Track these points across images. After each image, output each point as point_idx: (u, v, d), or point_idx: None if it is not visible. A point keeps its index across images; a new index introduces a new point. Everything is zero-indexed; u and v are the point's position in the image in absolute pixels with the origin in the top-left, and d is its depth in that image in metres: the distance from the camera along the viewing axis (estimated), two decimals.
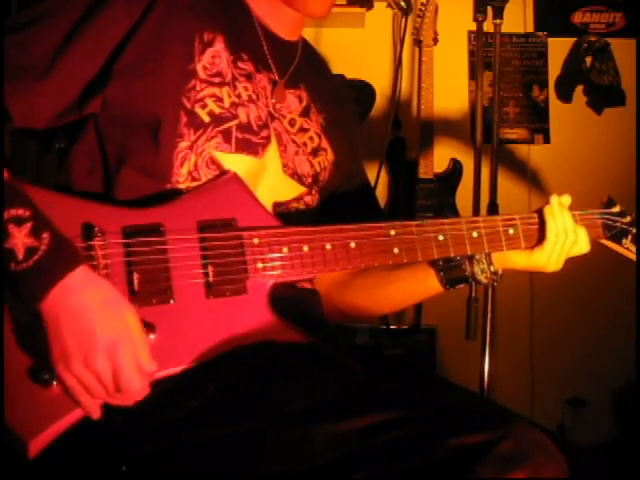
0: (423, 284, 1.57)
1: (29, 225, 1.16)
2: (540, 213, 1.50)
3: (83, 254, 1.23)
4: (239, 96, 1.42)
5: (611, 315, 3.44)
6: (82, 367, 1.15)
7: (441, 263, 1.52)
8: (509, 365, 3.26)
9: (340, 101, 1.69)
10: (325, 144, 1.58)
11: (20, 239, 1.15)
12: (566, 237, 1.48)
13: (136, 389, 1.17)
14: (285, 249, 1.33)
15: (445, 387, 1.46)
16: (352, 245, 1.36)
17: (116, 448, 1.19)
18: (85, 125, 1.40)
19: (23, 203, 1.18)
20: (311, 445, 1.13)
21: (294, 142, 1.52)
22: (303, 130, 1.54)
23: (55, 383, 1.17)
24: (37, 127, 1.36)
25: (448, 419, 1.15)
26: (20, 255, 1.14)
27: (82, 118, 1.38)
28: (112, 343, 1.15)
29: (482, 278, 1.53)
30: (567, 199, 1.52)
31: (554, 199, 1.50)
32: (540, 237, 1.48)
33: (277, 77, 1.51)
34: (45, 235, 1.17)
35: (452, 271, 1.53)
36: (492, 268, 1.52)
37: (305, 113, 1.55)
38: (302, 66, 1.57)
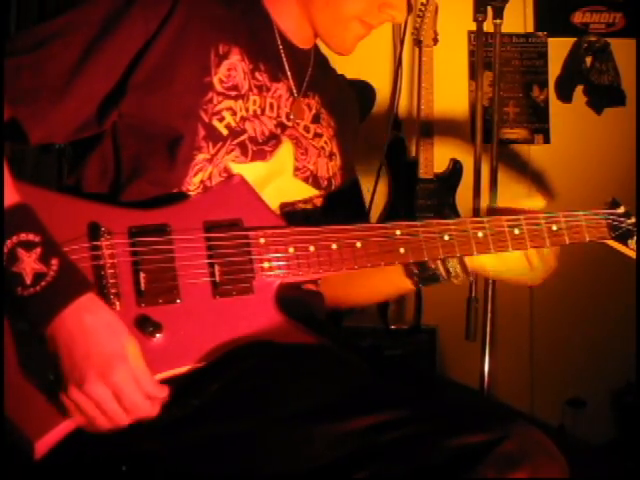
0: (394, 282, 1.58)
1: (39, 250, 1.16)
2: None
3: (89, 254, 1.24)
4: (247, 110, 1.43)
5: (611, 315, 3.45)
6: (77, 391, 1.14)
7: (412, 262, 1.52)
8: (509, 365, 3.26)
9: (345, 104, 1.70)
10: (335, 149, 1.59)
11: (29, 264, 1.15)
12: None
13: (143, 411, 1.16)
14: (291, 249, 1.33)
15: (446, 386, 1.46)
16: (358, 245, 1.36)
17: (116, 448, 1.19)
18: (103, 132, 1.40)
19: (34, 228, 1.17)
20: (312, 445, 1.13)
21: (314, 146, 1.53)
22: (318, 135, 1.55)
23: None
24: (55, 143, 1.36)
25: (449, 419, 1.14)
26: (28, 280, 1.14)
27: (101, 132, 1.38)
28: (106, 367, 1.14)
29: (455, 280, 1.54)
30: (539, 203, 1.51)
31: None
32: None
33: (293, 86, 1.51)
34: (54, 262, 1.16)
35: (424, 271, 1.54)
36: (460, 271, 1.54)
37: (316, 120, 1.56)
38: (315, 72, 1.57)
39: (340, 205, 1.61)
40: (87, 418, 1.16)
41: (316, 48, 1.60)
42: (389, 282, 1.60)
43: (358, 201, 1.78)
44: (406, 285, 1.58)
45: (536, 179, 3.63)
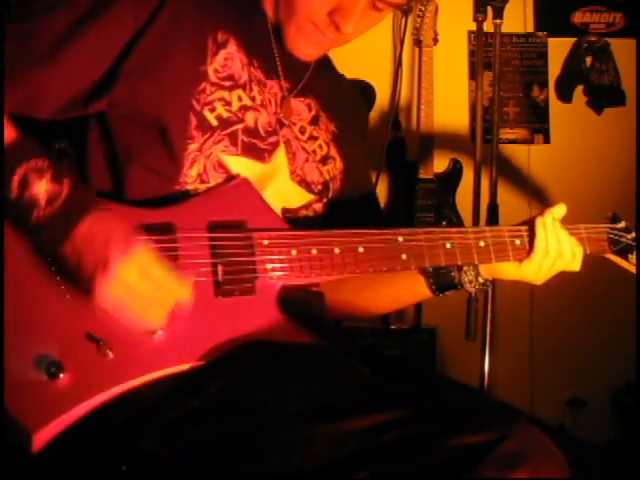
0: (412, 289, 1.58)
1: (49, 173, 1.21)
2: (531, 224, 1.49)
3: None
4: (253, 99, 1.43)
5: (611, 315, 3.44)
6: (105, 277, 1.17)
7: (431, 270, 1.53)
8: (509, 365, 3.26)
9: (351, 107, 1.69)
10: (334, 152, 1.58)
11: (42, 187, 1.19)
12: (558, 256, 1.48)
13: (173, 286, 1.20)
14: (294, 251, 1.33)
15: (446, 386, 1.46)
16: (360, 250, 1.36)
17: (116, 448, 1.19)
18: (95, 123, 1.41)
19: (40, 154, 1.22)
20: (312, 445, 1.12)
21: (304, 149, 1.52)
22: (313, 138, 1.55)
23: (61, 375, 1.18)
24: (39, 117, 1.36)
25: (449, 419, 1.14)
26: (43, 202, 1.19)
27: (87, 114, 1.38)
28: (126, 245, 1.18)
29: (470, 287, 1.54)
30: (561, 210, 1.51)
31: (548, 214, 1.48)
32: (529, 249, 1.48)
33: (285, 85, 1.51)
34: (65, 181, 1.21)
35: (441, 278, 1.54)
36: (480, 279, 1.53)
37: (314, 121, 1.56)
38: (314, 75, 1.56)
39: (349, 214, 1.60)
40: (123, 309, 1.19)
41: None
42: (408, 290, 1.59)
43: (371, 211, 1.76)
44: (424, 292, 1.57)
45: (536, 179, 3.63)
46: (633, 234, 1.57)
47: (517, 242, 1.47)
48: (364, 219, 1.65)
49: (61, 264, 1.21)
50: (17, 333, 1.19)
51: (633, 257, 1.56)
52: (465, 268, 1.52)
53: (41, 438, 1.15)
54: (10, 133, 1.24)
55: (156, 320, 1.21)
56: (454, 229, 1.44)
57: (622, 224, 1.57)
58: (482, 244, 1.44)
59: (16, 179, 1.19)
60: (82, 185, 1.24)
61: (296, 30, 1.45)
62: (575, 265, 1.52)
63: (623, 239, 1.56)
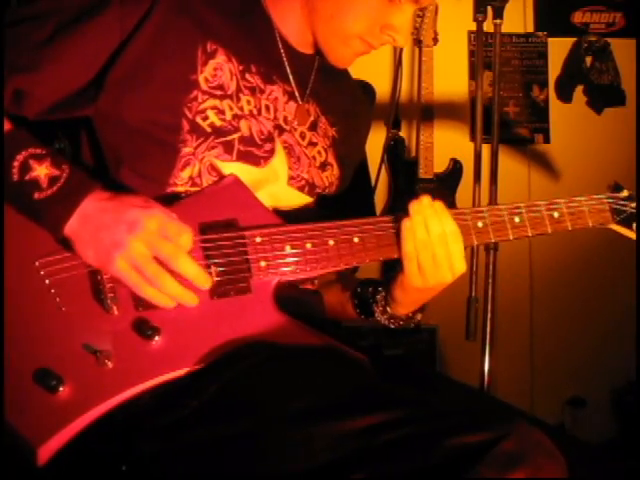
0: (343, 303, 1.57)
1: (49, 159, 1.24)
2: (399, 225, 1.34)
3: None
4: (241, 109, 1.42)
5: (611, 315, 3.44)
6: (119, 259, 1.21)
7: (358, 290, 1.52)
8: (509, 365, 3.26)
9: (355, 111, 1.68)
10: (331, 159, 1.58)
11: (42, 171, 1.23)
12: (425, 250, 1.33)
13: (179, 259, 1.23)
14: (288, 247, 1.32)
15: (445, 385, 1.46)
16: (355, 240, 1.35)
17: (116, 448, 1.19)
18: (84, 128, 1.41)
19: (38, 144, 1.26)
20: (311, 445, 1.12)
21: (306, 155, 1.52)
22: (312, 144, 1.54)
23: (62, 388, 1.18)
24: (24, 116, 1.36)
25: (448, 419, 1.14)
26: (44, 184, 1.23)
27: (72, 118, 1.40)
28: (133, 224, 1.22)
29: (383, 319, 1.49)
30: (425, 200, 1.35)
31: (414, 208, 1.33)
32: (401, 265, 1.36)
33: (296, 90, 1.51)
34: (65, 166, 1.25)
35: (363, 301, 1.52)
36: (389, 309, 1.47)
37: (313, 127, 1.55)
38: (319, 77, 1.56)
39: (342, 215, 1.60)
40: (135, 287, 1.23)
41: (321, 53, 1.59)
42: (340, 303, 1.57)
43: (364, 208, 1.76)
44: (351, 310, 1.55)
45: (536, 179, 3.63)
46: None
47: (516, 220, 1.39)
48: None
49: (67, 242, 1.24)
50: (15, 348, 1.19)
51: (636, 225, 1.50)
52: (379, 297, 1.48)
53: (45, 452, 1.15)
54: (6, 125, 1.27)
55: (188, 268, 1.24)
56: (452, 210, 1.36)
57: (625, 193, 1.49)
58: (480, 225, 1.37)
59: (16, 165, 1.23)
60: (80, 169, 1.28)
61: (343, 45, 1.47)
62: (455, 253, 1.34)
63: (626, 208, 1.49)
